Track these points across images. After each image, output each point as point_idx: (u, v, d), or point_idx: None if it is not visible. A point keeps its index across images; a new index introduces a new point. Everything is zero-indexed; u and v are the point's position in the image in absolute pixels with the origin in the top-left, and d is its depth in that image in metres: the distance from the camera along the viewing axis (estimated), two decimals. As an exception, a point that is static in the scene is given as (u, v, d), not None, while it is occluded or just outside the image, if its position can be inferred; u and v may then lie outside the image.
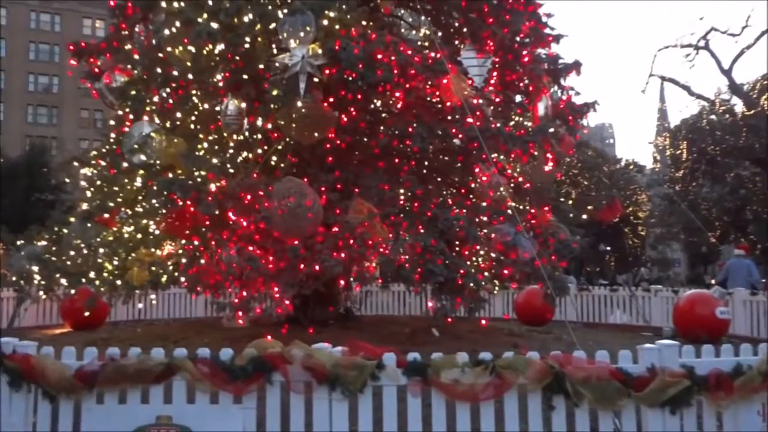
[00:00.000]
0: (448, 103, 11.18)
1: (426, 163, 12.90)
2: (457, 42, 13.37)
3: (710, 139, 43.43)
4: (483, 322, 13.24)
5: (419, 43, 14.08)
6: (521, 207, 12.21)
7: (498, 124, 11.73)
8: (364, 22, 11.30)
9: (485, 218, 11.79)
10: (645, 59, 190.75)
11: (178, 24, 10.98)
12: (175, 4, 11.26)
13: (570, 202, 15.76)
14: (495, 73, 12.36)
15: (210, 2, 10.77)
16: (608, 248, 53.00)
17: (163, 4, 11.56)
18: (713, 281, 24.67)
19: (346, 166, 12.01)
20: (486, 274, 11.67)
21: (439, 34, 13.90)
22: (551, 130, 11.74)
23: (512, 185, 12.26)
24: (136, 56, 12.85)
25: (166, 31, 11.18)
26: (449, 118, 11.54)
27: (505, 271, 11.45)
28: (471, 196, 12.77)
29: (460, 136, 11.35)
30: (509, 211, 11.33)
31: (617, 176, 53.62)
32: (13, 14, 67.19)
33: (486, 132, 10.90)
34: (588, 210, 13.82)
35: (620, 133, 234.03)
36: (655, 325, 15.94)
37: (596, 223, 16.27)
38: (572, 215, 13.65)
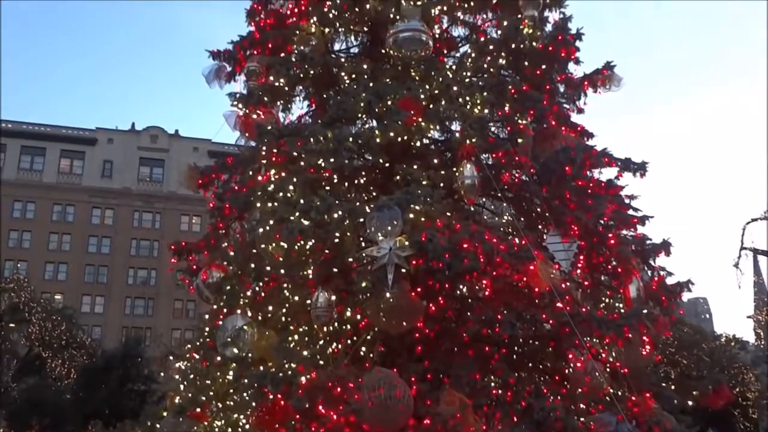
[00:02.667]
0: (537, 289, 11.11)
1: (517, 349, 12.61)
2: (540, 226, 13.53)
3: (816, 313, 41.09)
4: None
5: (503, 229, 14.32)
6: (620, 393, 11.62)
7: (589, 308, 11.53)
8: (448, 213, 11.64)
9: (583, 406, 11.27)
10: (735, 231, 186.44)
11: (271, 222, 11.57)
12: (269, 204, 11.92)
13: (672, 385, 14.90)
14: (582, 257, 12.33)
15: (302, 201, 11.38)
16: (718, 433, 49.04)
17: (258, 205, 12.27)
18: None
19: (436, 356, 11.87)
20: (588, 467, 10.94)
21: (522, 219, 14.12)
22: (645, 312, 11.42)
23: (609, 371, 11.75)
24: (232, 253, 13.51)
25: (260, 229, 11.77)
26: (538, 303, 11.44)
27: (609, 465, 10.70)
28: (566, 383, 12.27)
29: (551, 321, 11.18)
30: (608, 399, 10.81)
31: (718, 354, 50.69)
32: (119, 214, 72.59)
33: (577, 317, 10.72)
34: (693, 395, 13.04)
35: (716, 307, 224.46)
36: None
37: (702, 406, 15.23)
38: (676, 401, 12.87)
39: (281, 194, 11.92)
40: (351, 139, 12.24)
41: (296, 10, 14.84)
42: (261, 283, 12.65)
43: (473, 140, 12.15)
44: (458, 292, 12.35)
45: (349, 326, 11.62)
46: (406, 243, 10.58)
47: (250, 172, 13.77)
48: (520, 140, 12.58)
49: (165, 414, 13.34)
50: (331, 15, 14.06)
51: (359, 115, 13.09)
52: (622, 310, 11.97)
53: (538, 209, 14.06)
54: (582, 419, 10.95)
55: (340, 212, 11.06)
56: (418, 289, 11.31)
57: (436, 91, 13.03)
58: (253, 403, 11.10)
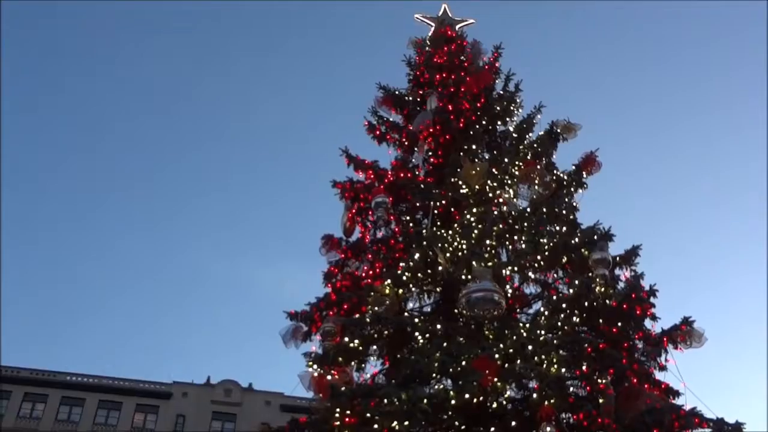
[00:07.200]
0: None
1: None
2: None
3: None
4: None
5: None
6: None
7: None
8: None
9: None
10: None
11: None
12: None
13: None
14: None
15: None
16: None
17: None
18: None
19: None
20: None
21: None
22: None
23: None
24: None
25: None
26: None
27: None
28: None
29: None
30: None
31: None
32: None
33: None
34: None
35: None
36: None
37: None
38: None
39: (353, 460, 11.55)
40: (425, 401, 12.01)
41: (371, 272, 15.46)
42: None
43: (552, 401, 11.76)
44: None
45: None
46: None
47: (323, 435, 13.47)
48: (601, 401, 12.11)
49: None
50: (404, 277, 14.54)
51: (433, 375, 12.97)
52: None
53: None
54: None
55: None
56: None
57: (511, 350, 12.90)
58: None
